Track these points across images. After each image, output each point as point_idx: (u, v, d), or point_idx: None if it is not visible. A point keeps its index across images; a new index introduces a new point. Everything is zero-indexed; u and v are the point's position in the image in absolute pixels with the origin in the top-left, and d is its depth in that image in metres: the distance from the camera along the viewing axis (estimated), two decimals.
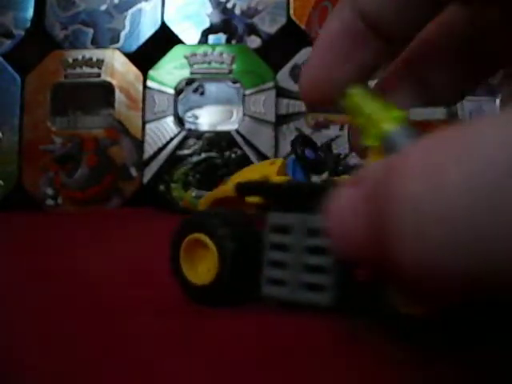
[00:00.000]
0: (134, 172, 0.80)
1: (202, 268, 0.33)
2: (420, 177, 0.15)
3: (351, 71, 0.25)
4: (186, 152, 0.79)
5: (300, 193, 0.30)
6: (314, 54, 0.25)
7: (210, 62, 0.81)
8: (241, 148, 0.79)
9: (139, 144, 0.80)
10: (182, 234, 0.33)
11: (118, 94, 0.81)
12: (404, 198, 0.15)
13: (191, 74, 0.81)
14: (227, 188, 0.35)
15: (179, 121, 0.81)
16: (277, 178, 0.33)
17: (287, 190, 0.31)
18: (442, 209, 0.14)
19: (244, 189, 0.33)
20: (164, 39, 0.83)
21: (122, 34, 0.83)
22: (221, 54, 0.81)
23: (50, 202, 0.80)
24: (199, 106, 0.83)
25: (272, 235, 0.30)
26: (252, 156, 0.79)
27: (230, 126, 0.81)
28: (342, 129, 0.81)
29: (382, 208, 0.16)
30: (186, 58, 0.81)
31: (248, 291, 0.32)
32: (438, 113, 0.29)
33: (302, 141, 0.35)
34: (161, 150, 0.79)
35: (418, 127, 0.23)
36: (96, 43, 0.83)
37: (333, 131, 0.81)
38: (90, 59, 0.82)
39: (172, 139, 0.80)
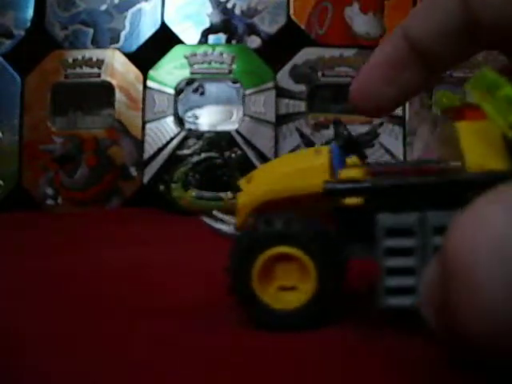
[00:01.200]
0: (133, 172, 0.80)
1: (281, 286, 0.28)
2: None
3: (395, 90, 0.29)
4: (185, 152, 0.79)
5: (422, 188, 0.26)
6: (365, 69, 0.30)
7: (210, 62, 0.81)
8: (241, 148, 0.79)
9: (139, 144, 0.80)
10: (257, 248, 0.28)
11: (118, 93, 0.81)
12: None
13: (191, 73, 0.81)
14: (295, 186, 0.28)
15: (179, 121, 0.81)
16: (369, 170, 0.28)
17: (407, 187, 0.26)
18: None
19: (339, 189, 0.27)
20: (164, 39, 0.83)
21: (122, 34, 0.83)
22: (221, 54, 0.81)
23: (50, 201, 0.80)
24: (199, 106, 0.83)
25: (388, 239, 0.26)
26: (252, 156, 0.79)
27: (230, 126, 0.81)
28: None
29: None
30: (186, 57, 0.81)
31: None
32: None
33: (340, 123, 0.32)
34: (161, 149, 0.79)
35: None
36: (96, 43, 0.83)
37: (333, 131, 0.81)
38: (90, 59, 0.82)
39: (172, 139, 0.80)
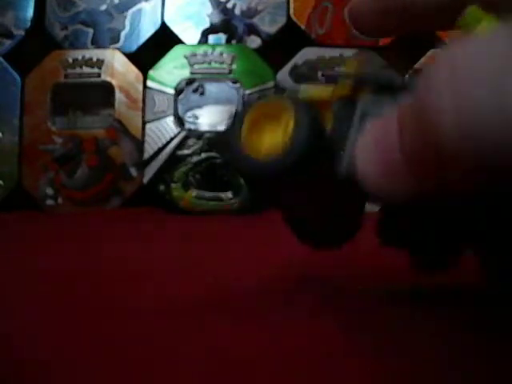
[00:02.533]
0: (133, 172, 0.80)
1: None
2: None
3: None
4: (186, 152, 0.79)
5: None
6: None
7: (210, 62, 0.81)
8: None
9: (139, 144, 0.80)
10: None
11: (117, 94, 0.81)
12: (441, 80, 0.19)
13: (191, 73, 0.81)
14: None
15: (179, 121, 0.81)
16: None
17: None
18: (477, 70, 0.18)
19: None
20: (164, 39, 0.83)
21: (122, 34, 0.83)
22: (221, 53, 0.81)
23: (50, 201, 0.80)
24: (199, 106, 0.83)
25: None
26: None
27: None
28: None
29: (423, 106, 0.20)
30: (186, 57, 0.81)
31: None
32: None
33: None
34: (161, 149, 0.79)
35: None
36: (96, 43, 0.83)
37: None
38: (90, 59, 0.82)
39: (172, 139, 0.80)
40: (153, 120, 0.80)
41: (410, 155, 0.22)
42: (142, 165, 0.79)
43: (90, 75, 0.82)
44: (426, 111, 0.20)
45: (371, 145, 0.24)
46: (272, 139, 0.29)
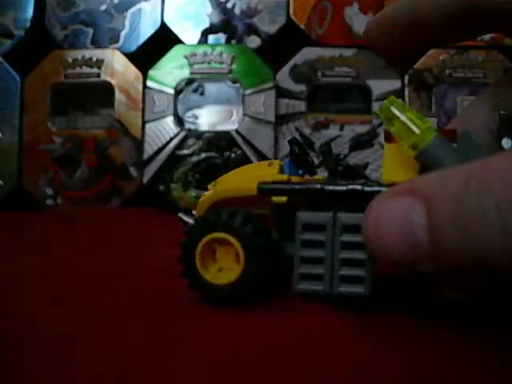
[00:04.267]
0: (133, 172, 0.80)
1: (221, 268, 0.33)
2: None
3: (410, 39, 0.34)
4: (185, 152, 0.79)
5: (337, 193, 0.32)
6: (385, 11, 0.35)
7: (209, 62, 0.81)
8: (240, 148, 0.79)
9: (139, 144, 0.80)
10: (199, 234, 0.33)
11: (117, 94, 0.81)
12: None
13: (191, 74, 0.81)
14: (237, 188, 0.35)
15: (179, 121, 0.81)
16: (297, 178, 0.34)
17: (324, 190, 0.32)
18: None
19: (269, 189, 0.33)
20: (164, 39, 0.83)
21: (122, 34, 0.83)
22: (221, 54, 0.81)
23: (49, 201, 0.80)
24: (199, 106, 0.83)
25: (304, 233, 0.31)
26: (252, 156, 0.79)
27: (230, 126, 0.81)
28: (341, 129, 0.81)
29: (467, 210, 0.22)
30: (186, 57, 0.81)
31: (268, 288, 0.33)
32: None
33: (296, 143, 0.37)
34: (161, 149, 0.80)
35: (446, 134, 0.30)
36: (96, 43, 0.83)
37: (333, 131, 0.81)
38: (90, 59, 0.82)
39: (172, 139, 0.80)
40: (152, 120, 0.80)
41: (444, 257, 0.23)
42: (142, 165, 0.79)
43: (89, 75, 0.82)
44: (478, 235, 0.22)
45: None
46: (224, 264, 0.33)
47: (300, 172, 0.37)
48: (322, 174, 0.78)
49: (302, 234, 0.31)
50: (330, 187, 0.32)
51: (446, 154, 0.29)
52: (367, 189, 0.31)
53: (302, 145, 0.38)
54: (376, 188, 0.30)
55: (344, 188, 0.31)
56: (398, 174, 0.31)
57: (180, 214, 0.40)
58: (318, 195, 0.32)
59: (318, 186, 0.32)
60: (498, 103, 0.35)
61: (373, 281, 0.30)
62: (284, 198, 0.33)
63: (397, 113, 0.31)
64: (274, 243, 0.33)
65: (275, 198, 0.33)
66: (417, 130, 0.29)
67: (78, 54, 0.82)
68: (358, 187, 0.31)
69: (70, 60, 0.82)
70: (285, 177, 0.34)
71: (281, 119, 0.80)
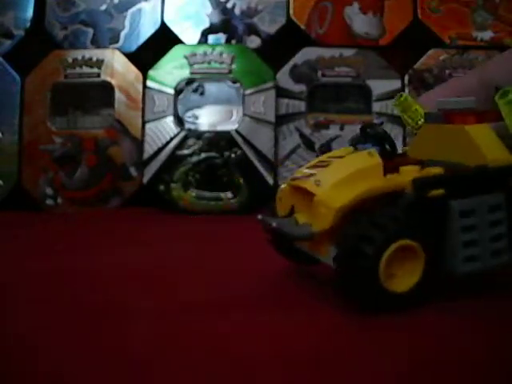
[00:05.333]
0: (133, 172, 0.80)
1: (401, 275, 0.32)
2: None
3: None
4: (185, 152, 0.79)
5: (484, 178, 0.34)
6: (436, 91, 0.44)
7: (209, 62, 0.81)
8: (240, 148, 0.79)
9: (139, 144, 0.80)
10: (386, 241, 0.31)
11: (117, 93, 0.81)
12: None
13: (191, 73, 0.81)
14: (391, 183, 0.34)
15: (179, 121, 0.81)
16: (437, 170, 0.35)
17: (471, 177, 0.34)
18: None
19: (427, 184, 0.34)
20: (164, 39, 0.83)
21: (122, 34, 0.83)
22: (220, 54, 0.81)
23: (49, 201, 0.80)
24: (199, 106, 0.83)
25: (462, 220, 0.33)
26: (252, 156, 0.79)
27: (230, 126, 0.81)
28: (341, 129, 0.81)
29: None
30: (186, 57, 0.81)
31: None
32: (467, 102, 0.37)
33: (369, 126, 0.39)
34: (161, 149, 0.79)
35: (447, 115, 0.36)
36: (96, 43, 0.83)
37: (333, 131, 0.81)
38: (90, 59, 0.82)
39: (172, 139, 0.80)
40: (152, 120, 0.80)
41: None
42: (142, 165, 0.79)
43: (89, 75, 0.82)
44: None
45: None
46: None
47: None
48: None
49: (460, 221, 0.33)
50: (475, 173, 0.34)
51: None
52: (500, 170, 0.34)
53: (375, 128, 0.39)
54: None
55: (484, 171, 0.34)
56: (500, 152, 0.35)
57: (261, 217, 0.37)
58: (468, 183, 0.34)
59: (466, 174, 0.34)
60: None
61: None
62: (441, 191, 0.33)
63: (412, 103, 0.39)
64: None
65: (434, 192, 0.33)
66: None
67: (78, 54, 0.82)
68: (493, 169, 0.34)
69: (70, 60, 0.82)
70: (437, 169, 0.34)
71: (281, 119, 0.80)
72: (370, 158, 0.35)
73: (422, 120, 0.38)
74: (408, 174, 0.34)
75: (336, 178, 0.34)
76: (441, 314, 0.32)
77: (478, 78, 0.40)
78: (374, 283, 0.31)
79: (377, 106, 0.80)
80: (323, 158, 0.37)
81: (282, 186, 0.37)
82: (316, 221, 0.33)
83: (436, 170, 0.34)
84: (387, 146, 0.36)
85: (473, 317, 0.31)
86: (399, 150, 0.39)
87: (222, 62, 0.81)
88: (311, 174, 0.35)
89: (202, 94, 0.83)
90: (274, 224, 0.34)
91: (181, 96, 0.82)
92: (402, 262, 0.32)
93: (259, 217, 0.36)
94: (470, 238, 0.33)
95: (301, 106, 0.81)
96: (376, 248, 0.30)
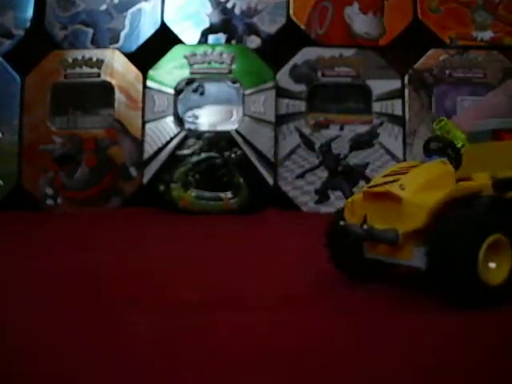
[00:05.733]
0: (133, 172, 0.80)
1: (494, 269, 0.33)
2: None
3: None
4: (185, 152, 0.79)
5: None
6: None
7: (209, 62, 0.81)
8: (240, 148, 0.79)
9: (139, 144, 0.80)
10: (482, 234, 0.33)
11: (117, 94, 0.81)
12: None
13: (191, 73, 0.81)
14: (470, 187, 0.36)
15: (179, 121, 0.81)
16: None
17: None
18: None
19: (506, 184, 0.36)
20: (164, 39, 0.83)
21: (122, 34, 0.83)
22: (220, 54, 0.81)
23: (49, 201, 0.80)
24: (199, 106, 0.83)
25: None
26: (252, 156, 0.79)
27: (230, 126, 0.81)
28: (341, 129, 0.81)
29: None
30: (186, 57, 0.81)
31: None
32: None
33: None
34: (161, 149, 0.79)
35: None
36: (96, 43, 0.83)
37: (333, 131, 0.81)
38: (90, 59, 0.82)
39: (172, 139, 0.80)
40: (152, 120, 0.80)
41: None
42: (142, 165, 0.79)
43: (89, 75, 0.82)
44: None
45: None
46: None
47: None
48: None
49: None
50: None
51: None
52: None
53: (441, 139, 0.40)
54: None
55: None
56: None
57: (343, 223, 0.38)
58: None
59: None
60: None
61: None
62: None
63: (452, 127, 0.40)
64: None
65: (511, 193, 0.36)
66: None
67: (78, 54, 0.82)
68: None
69: (70, 60, 0.82)
70: (451, 171, 0.36)
71: (281, 119, 0.80)
72: (443, 166, 0.37)
73: (461, 144, 0.39)
74: (482, 179, 0.36)
75: (417, 184, 0.36)
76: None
77: (507, 94, 0.42)
78: (473, 276, 0.32)
79: (377, 106, 0.80)
80: (393, 168, 0.39)
81: (354, 195, 0.39)
82: (405, 222, 0.35)
83: (510, 173, 0.37)
84: (452, 156, 0.38)
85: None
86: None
87: (222, 62, 0.81)
88: (393, 181, 0.37)
89: (201, 94, 0.83)
90: (365, 227, 0.36)
91: (181, 96, 0.82)
92: (492, 258, 0.33)
93: (341, 223, 0.38)
94: None
95: (301, 105, 0.81)
96: (473, 243, 0.32)
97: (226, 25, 0.84)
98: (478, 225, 0.33)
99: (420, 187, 0.36)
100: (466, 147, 0.38)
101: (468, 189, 0.36)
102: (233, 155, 0.78)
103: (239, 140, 0.79)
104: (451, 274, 0.32)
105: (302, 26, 0.83)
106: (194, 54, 0.81)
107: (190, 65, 0.81)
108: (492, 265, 0.33)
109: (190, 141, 0.80)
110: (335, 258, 0.39)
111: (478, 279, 0.32)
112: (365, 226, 0.36)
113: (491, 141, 0.39)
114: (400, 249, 0.35)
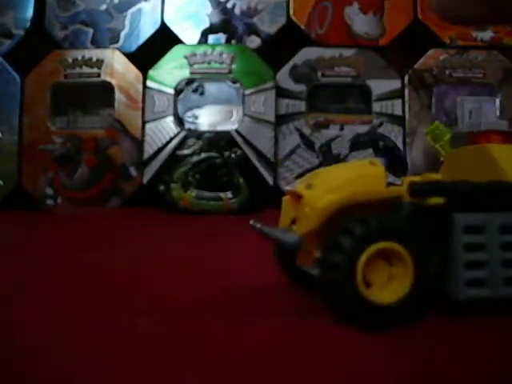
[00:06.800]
0: (133, 172, 0.80)
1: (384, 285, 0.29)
2: None
3: None
4: (185, 152, 0.79)
5: (499, 192, 0.30)
6: None
7: (209, 62, 0.81)
8: (240, 148, 0.79)
9: (139, 144, 0.80)
10: (363, 243, 0.28)
11: (117, 94, 0.81)
12: None
13: (191, 73, 0.81)
14: (366, 191, 0.31)
15: (179, 121, 0.81)
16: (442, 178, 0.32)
17: (480, 189, 0.30)
18: None
19: (423, 190, 0.30)
20: (164, 39, 0.83)
21: (122, 34, 0.83)
22: (220, 54, 0.81)
23: (49, 201, 0.80)
24: (199, 106, 0.83)
25: (465, 236, 0.29)
26: (252, 156, 0.79)
27: (230, 126, 0.81)
28: (341, 129, 0.81)
29: None
30: (186, 57, 0.81)
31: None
32: (499, 124, 0.35)
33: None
34: (161, 149, 0.79)
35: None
36: (96, 43, 0.83)
37: (333, 131, 0.81)
38: (90, 59, 0.82)
39: (172, 139, 0.80)
40: (152, 120, 0.80)
41: None
42: (142, 165, 0.79)
43: (89, 75, 0.82)
44: None
45: None
46: None
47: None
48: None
49: (463, 237, 0.29)
50: (487, 185, 0.30)
51: None
52: None
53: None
54: None
55: (501, 185, 0.30)
56: None
57: (252, 221, 0.32)
58: (476, 195, 0.30)
59: (475, 185, 0.30)
60: None
61: None
62: (440, 200, 0.30)
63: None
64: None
65: (433, 200, 0.30)
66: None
67: (78, 54, 0.82)
68: None
69: (70, 60, 0.82)
70: (437, 176, 0.32)
71: (281, 119, 0.80)
72: (371, 167, 0.33)
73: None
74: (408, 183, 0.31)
75: (331, 184, 0.32)
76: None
77: None
78: (350, 291, 0.27)
79: (377, 106, 0.80)
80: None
81: (284, 196, 0.34)
82: (301, 223, 0.31)
83: (437, 177, 0.32)
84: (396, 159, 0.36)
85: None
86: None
87: (222, 62, 0.81)
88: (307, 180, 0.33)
89: (201, 94, 0.83)
90: (258, 225, 0.31)
91: (181, 96, 0.82)
92: (383, 272, 0.29)
93: (251, 222, 0.32)
94: (474, 258, 0.29)
95: (301, 105, 0.81)
96: (348, 253, 0.28)
97: (226, 25, 0.84)
98: (357, 233, 0.28)
99: (334, 187, 0.31)
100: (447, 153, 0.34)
101: (376, 193, 0.31)
102: (233, 155, 0.78)
103: (239, 140, 0.79)
104: (328, 286, 0.28)
105: (302, 26, 0.83)
106: (194, 54, 0.81)
107: (190, 65, 0.81)
108: (381, 279, 0.28)
109: (190, 141, 0.80)
110: (281, 265, 0.36)
111: (357, 294, 0.28)
112: (258, 224, 0.31)
113: (466, 145, 0.35)
114: (307, 255, 0.31)
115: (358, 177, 0.32)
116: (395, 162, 0.32)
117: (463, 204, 0.30)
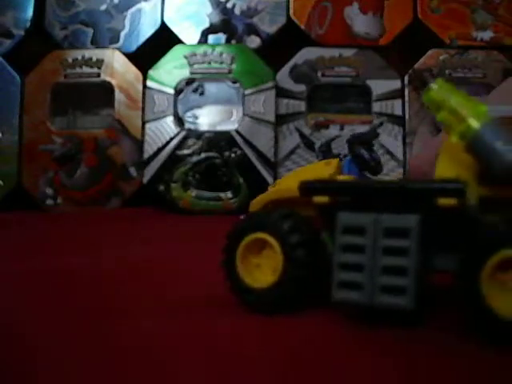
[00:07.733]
0: (133, 172, 0.80)
1: (262, 271, 0.31)
2: None
3: None
4: (185, 152, 0.79)
5: (377, 191, 0.29)
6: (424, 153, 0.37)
7: (209, 62, 0.81)
8: (240, 148, 0.79)
9: (139, 144, 0.80)
10: (240, 234, 0.31)
11: (117, 93, 0.81)
12: None
13: (191, 73, 0.81)
14: (285, 188, 0.32)
15: (179, 121, 0.81)
16: (345, 177, 0.31)
17: (364, 188, 0.29)
18: None
19: (310, 188, 0.30)
20: (164, 39, 0.83)
21: (122, 34, 0.83)
22: (220, 53, 0.81)
23: (49, 201, 0.80)
24: (199, 106, 0.83)
25: (344, 236, 0.28)
26: (252, 156, 0.79)
27: (230, 126, 0.81)
28: (341, 129, 0.81)
29: None
30: (186, 57, 0.81)
31: (311, 295, 0.31)
32: None
33: (358, 141, 0.35)
34: (160, 149, 0.79)
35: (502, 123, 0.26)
36: (96, 43, 0.83)
37: (333, 131, 0.81)
38: (90, 59, 0.82)
39: (172, 139, 0.80)
40: (152, 120, 0.80)
41: None
42: (142, 165, 0.79)
43: (89, 75, 0.82)
44: None
45: None
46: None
47: (359, 172, 0.34)
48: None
49: (342, 237, 0.28)
50: (374, 184, 0.29)
51: (499, 143, 0.25)
52: (416, 186, 0.27)
53: (368, 143, 0.36)
54: (426, 185, 0.27)
55: (389, 185, 0.29)
56: (451, 170, 0.27)
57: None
58: (361, 194, 0.29)
59: (361, 184, 0.30)
60: None
61: (419, 292, 0.26)
62: (326, 199, 0.29)
63: (445, 96, 0.26)
64: (317, 245, 0.30)
65: (317, 199, 0.30)
66: (466, 116, 0.25)
67: (78, 53, 0.82)
68: (406, 184, 0.28)
69: (70, 60, 0.82)
70: (328, 174, 0.31)
71: (281, 119, 0.80)
72: (325, 167, 0.33)
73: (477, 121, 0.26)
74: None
75: (282, 183, 0.34)
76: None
77: None
78: (234, 275, 0.32)
79: (377, 106, 0.80)
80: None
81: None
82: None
83: (344, 178, 0.31)
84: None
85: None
86: None
87: (221, 62, 0.81)
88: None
89: (201, 93, 0.83)
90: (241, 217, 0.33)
91: (181, 96, 0.82)
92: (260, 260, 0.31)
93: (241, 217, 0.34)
94: (351, 260, 0.28)
95: (301, 105, 0.81)
96: (232, 243, 0.32)
97: (226, 25, 0.84)
98: (238, 226, 0.31)
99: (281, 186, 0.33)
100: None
101: (289, 191, 0.32)
102: (233, 155, 0.78)
103: (239, 140, 0.79)
104: (227, 273, 0.32)
105: (302, 26, 0.83)
106: (194, 54, 0.81)
107: (190, 65, 0.81)
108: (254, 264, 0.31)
109: (190, 141, 0.80)
110: None
111: (237, 278, 0.31)
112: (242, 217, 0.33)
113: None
114: None
115: (307, 176, 0.32)
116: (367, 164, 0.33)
117: (354, 204, 0.29)
